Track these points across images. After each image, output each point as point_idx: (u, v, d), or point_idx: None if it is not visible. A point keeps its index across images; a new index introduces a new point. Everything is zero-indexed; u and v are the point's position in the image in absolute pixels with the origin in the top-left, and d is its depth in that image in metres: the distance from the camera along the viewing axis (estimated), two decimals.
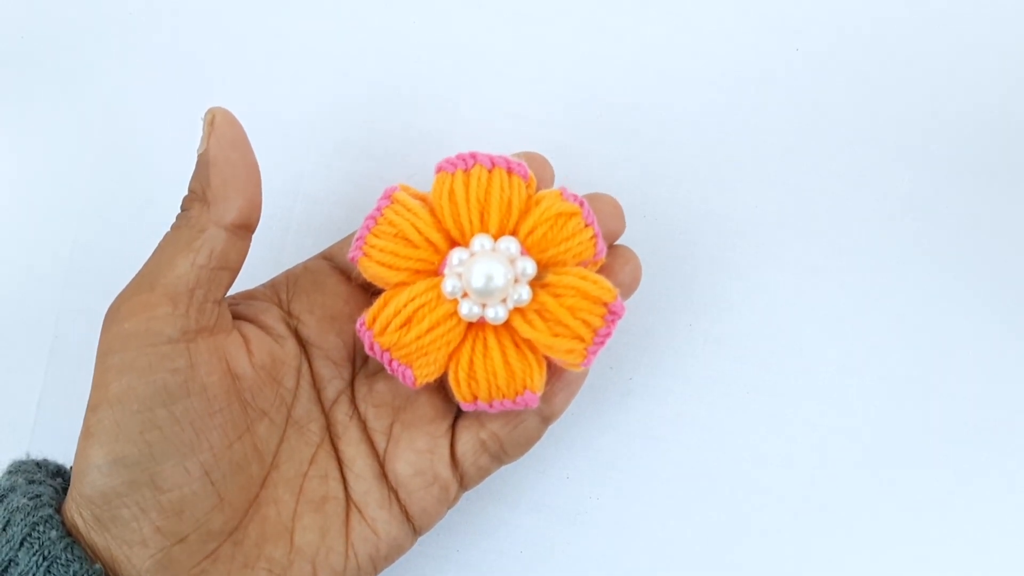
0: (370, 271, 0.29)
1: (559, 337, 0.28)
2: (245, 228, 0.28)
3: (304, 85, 0.36)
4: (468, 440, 0.30)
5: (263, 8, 0.37)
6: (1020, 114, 0.35)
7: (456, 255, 0.28)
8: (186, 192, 0.28)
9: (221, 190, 0.27)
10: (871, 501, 0.34)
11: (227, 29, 0.37)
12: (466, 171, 0.28)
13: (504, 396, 0.29)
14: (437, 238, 0.29)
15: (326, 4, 0.37)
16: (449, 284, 0.28)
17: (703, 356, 0.35)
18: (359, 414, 0.31)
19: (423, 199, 0.29)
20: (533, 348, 0.29)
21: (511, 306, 0.28)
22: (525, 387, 0.29)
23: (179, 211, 0.28)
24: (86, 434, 0.26)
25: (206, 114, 0.28)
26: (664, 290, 0.35)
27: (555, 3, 0.36)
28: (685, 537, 0.34)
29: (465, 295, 0.28)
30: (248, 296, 0.31)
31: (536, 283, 0.28)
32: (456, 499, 0.31)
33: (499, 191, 0.28)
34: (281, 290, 0.31)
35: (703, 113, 0.36)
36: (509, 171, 0.29)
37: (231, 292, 0.31)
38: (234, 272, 0.28)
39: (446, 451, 0.30)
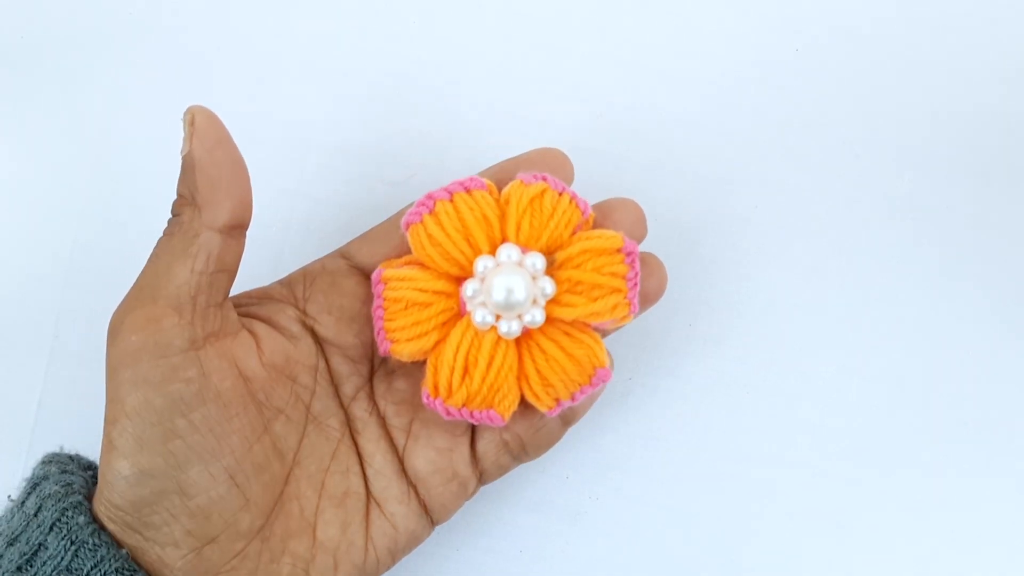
0: (406, 352, 0.29)
1: (599, 300, 0.28)
2: (239, 228, 0.28)
3: (305, 85, 0.36)
4: (490, 440, 0.31)
5: (263, 9, 0.37)
6: (1020, 114, 0.35)
7: (481, 263, 0.28)
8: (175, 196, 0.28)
9: (210, 193, 0.27)
10: (871, 501, 0.34)
11: (227, 29, 0.37)
12: (431, 212, 0.29)
13: (581, 384, 0.29)
14: (441, 285, 0.29)
15: (326, 5, 0.37)
16: (479, 316, 0.28)
17: (703, 356, 0.35)
18: (378, 411, 0.31)
19: (409, 262, 0.29)
20: (581, 327, 0.29)
21: (526, 323, 0.28)
22: (594, 366, 0.29)
23: (169, 216, 0.28)
24: (108, 447, 0.26)
25: (185, 114, 0.27)
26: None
27: (555, 4, 0.36)
28: (685, 537, 0.34)
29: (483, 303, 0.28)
30: (264, 295, 0.31)
31: (551, 269, 0.29)
32: (474, 493, 0.31)
33: (469, 211, 0.28)
34: (298, 288, 0.31)
35: (703, 113, 0.36)
36: (467, 191, 0.29)
37: (247, 289, 0.31)
38: (232, 273, 0.28)
39: (466, 449, 0.30)
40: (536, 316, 0.28)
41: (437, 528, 0.31)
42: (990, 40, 0.36)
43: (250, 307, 0.30)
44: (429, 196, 0.29)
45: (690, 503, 0.35)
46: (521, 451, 0.31)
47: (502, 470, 0.31)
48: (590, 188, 0.32)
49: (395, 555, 0.30)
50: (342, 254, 0.31)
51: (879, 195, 0.35)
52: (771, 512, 0.34)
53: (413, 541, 0.31)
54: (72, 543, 0.26)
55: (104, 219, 0.36)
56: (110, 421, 0.26)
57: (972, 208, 0.35)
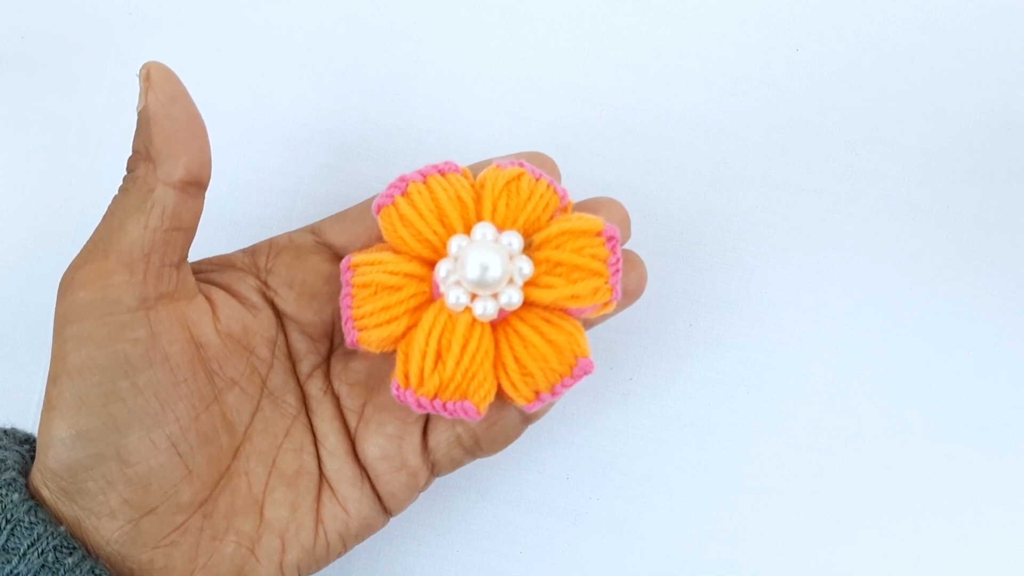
0: (374, 339, 0.27)
1: (579, 282, 0.27)
2: (196, 185, 0.27)
3: (304, 85, 0.36)
4: (443, 431, 0.29)
5: (263, 8, 0.37)
6: (1020, 114, 0.35)
7: (455, 242, 0.27)
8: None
9: (165, 147, 0.26)
10: (871, 501, 0.34)
11: (227, 29, 0.37)
12: (404, 193, 0.27)
13: (562, 376, 0.27)
14: (413, 268, 0.28)
15: (326, 4, 0.37)
16: (452, 296, 0.27)
17: (703, 356, 0.35)
18: (333, 390, 0.30)
19: (380, 249, 0.28)
20: (562, 315, 0.28)
21: (502, 304, 0.27)
22: (576, 355, 0.27)
23: (125, 172, 0.27)
24: (48, 407, 0.26)
25: (140, 70, 0.27)
26: (664, 290, 0.35)
27: (555, 3, 0.36)
28: (685, 537, 0.34)
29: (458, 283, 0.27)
30: (225, 262, 0.30)
31: (529, 251, 0.28)
32: (427, 485, 0.30)
33: (443, 192, 0.27)
34: (261, 258, 0.30)
35: (703, 113, 0.36)
36: (442, 174, 0.28)
37: (208, 256, 0.30)
38: (189, 233, 0.27)
39: (417, 439, 0.29)
40: (513, 296, 0.27)
41: (437, 528, 0.31)
42: (990, 40, 0.36)
43: (210, 273, 0.29)
44: (402, 178, 0.28)
45: (690, 503, 0.35)
46: (475, 446, 0.30)
47: (455, 464, 0.30)
48: (589, 188, 0.32)
49: (347, 541, 0.29)
50: (312, 229, 0.30)
51: (879, 195, 0.35)
52: (771, 512, 0.34)
53: (366, 529, 0.30)
54: (7, 522, 0.25)
55: None
56: (51, 380, 0.26)
57: (972, 208, 0.35)
